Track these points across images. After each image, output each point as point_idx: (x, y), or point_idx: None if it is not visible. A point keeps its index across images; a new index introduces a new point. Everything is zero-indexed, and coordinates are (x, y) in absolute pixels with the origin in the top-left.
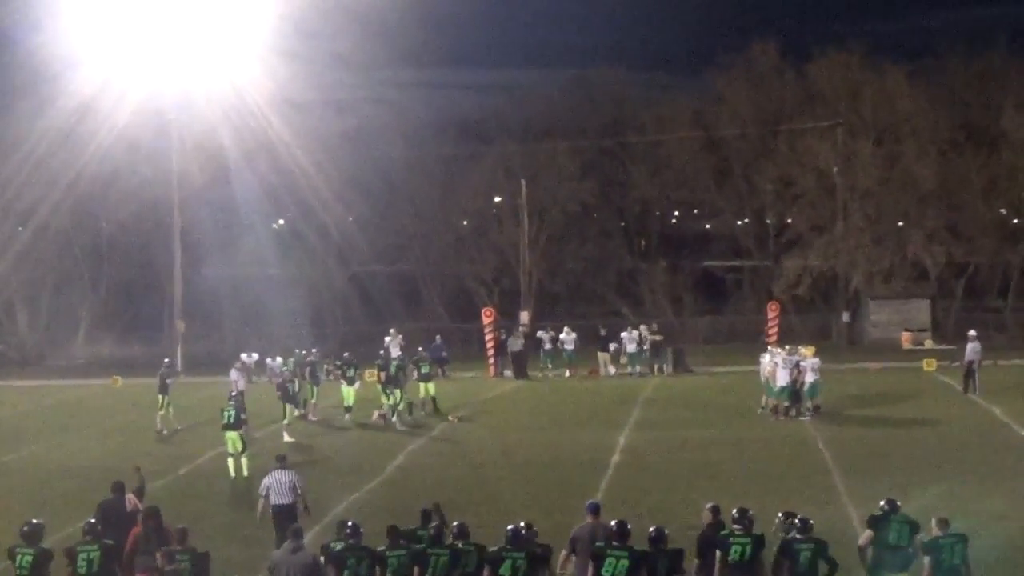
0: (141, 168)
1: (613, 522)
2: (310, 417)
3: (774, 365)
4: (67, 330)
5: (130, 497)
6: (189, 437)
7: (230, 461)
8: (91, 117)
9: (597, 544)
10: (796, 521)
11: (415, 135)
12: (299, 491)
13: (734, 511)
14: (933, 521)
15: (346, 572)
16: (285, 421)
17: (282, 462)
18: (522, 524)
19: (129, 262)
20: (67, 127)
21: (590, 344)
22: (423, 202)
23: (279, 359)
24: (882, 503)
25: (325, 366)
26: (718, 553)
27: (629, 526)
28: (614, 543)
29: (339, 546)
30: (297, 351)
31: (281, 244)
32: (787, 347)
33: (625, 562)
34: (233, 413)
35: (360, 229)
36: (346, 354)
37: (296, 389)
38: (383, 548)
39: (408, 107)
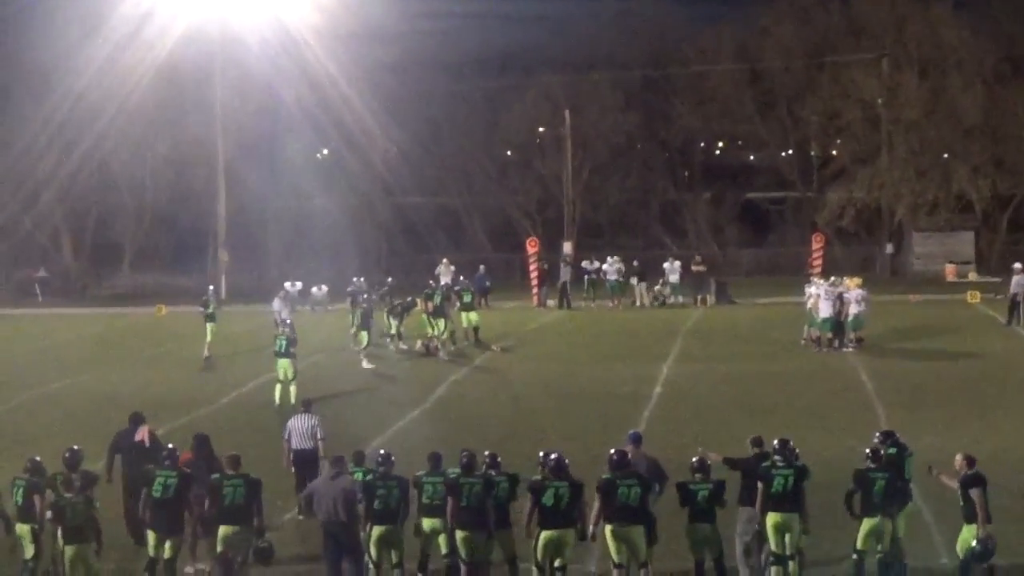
0: (185, 100)
1: (612, 452)
2: (352, 347)
3: (817, 296)
4: (111, 260)
5: (142, 430)
6: (232, 366)
7: (278, 388)
8: (135, 49)
9: (604, 477)
10: (868, 451)
11: (458, 67)
12: (320, 436)
13: (775, 442)
14: (959, 457)
15: (376, 501)
16: (364, 345)
17: (307, 407)
18: (552, 455)
19: (173, 193)
20: (111, 59)
21: (630, 275)
22: (466, 133)
23: (324, 288)
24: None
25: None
26: (760, 485)
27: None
28: (618, 473)
29: (369, 475)
30: (355, 280)
31: (324, 175)
32: (831, 279)
33: (637, 489)
34: (285, 341)
35: (404, 160)
36: (390, 279)
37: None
38: (421, 473)
39: (451, 39)
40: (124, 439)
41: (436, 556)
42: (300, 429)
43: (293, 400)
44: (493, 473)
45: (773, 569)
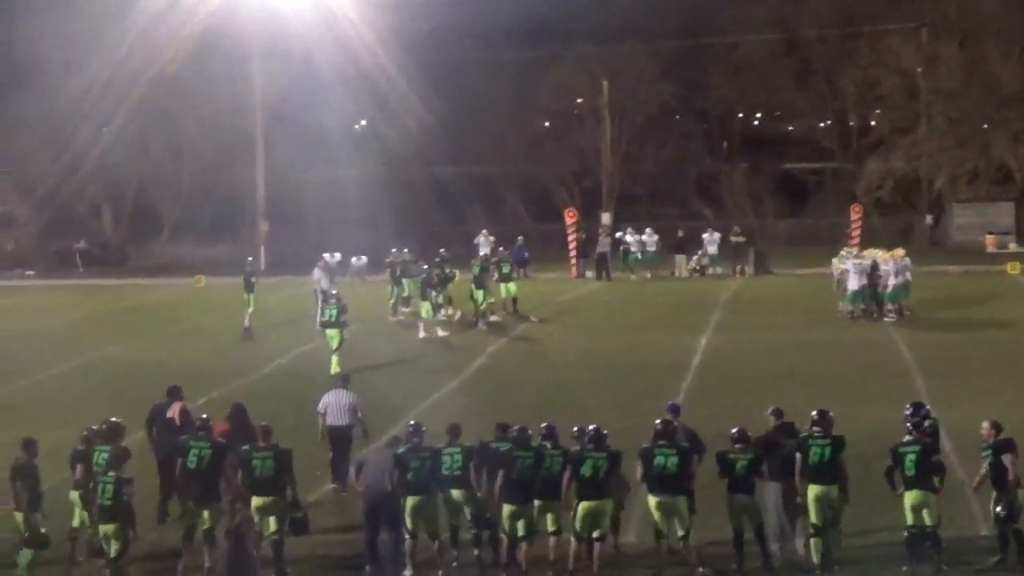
0: (222, 70)
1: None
2: (389, 318)
3: (844, 270)
4: (150, 230)
5: (175, 407)
6: (271, 337)
7: (334, 357)
8: (172, 20)
9: (644, 446)
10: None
11: (494, 37)
12: (359, 414)
13: (813, 413)
14: (985, 424)
15: (410, 472)
16: (424, 314)
17: (344, 382)
18: (590, 427)
19: (211, 164)
20: (149, 30)
21: (671, 246)
22: (504, 104)
23: (363, 258)
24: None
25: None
26: (797, 456)
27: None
28: (660, 442)
29: (402, 448)
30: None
31: (362, 146)
32: (854, 251)
33: (674, 459)
34: (336, 310)
35: (440, 131)
36: (443, 251)
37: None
38: (441, 446)
39: (487, 8)
40: (158, 413)
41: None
42: (336, 404)
43: (334, 369)
44: (548, 445)
45: (812, 540)
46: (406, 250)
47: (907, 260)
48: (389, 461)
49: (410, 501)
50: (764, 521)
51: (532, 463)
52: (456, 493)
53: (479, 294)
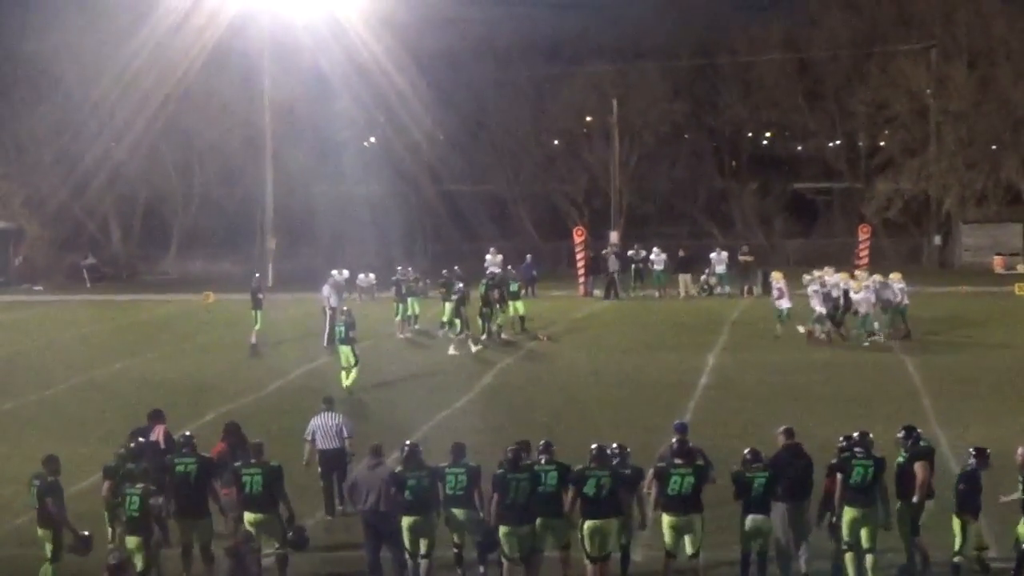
0: (233, 86)
1: (673, 441)
2: (398, 334)
3: (814, 292)
4: (159, 246)
5: (158, 429)
6: (279, 353)
7: (343, 374)
8: (184, 35)
9: (659, 464)
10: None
11: (505, 55)
12: (346, 435)
13: (855, 434)
14: (1021, 450)
15: (407, 491)
16: (458, 333)
17: (329, 405)
18: (614, 445)
19: (220, 179)
20: (161, 45)
21: (673, 266)
22: (514, 121)
23: (371, 275)
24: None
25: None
26: (839, 476)
27: (690, 444)
28: (676, 461)
29: (399, 467)
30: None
31: (372, 162)
32: (817, 274)
33: (691, 479)
34: (344, 328)
35: (451, 148)
36: (445, 271)
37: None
38: (444, 465)
39: (499, 26)
40: (145, 437)
41: (470, 546)
42: (324, 428)
43: (348, 382)
44: (543, 460)
45: (847, 556)
46: (410, 268)
47: (900, 285)
48: (378, 480)
49: (406, 520)
50: (767, 542)
51: (527, 483)
52: (459, 513)
53: (487, 312)
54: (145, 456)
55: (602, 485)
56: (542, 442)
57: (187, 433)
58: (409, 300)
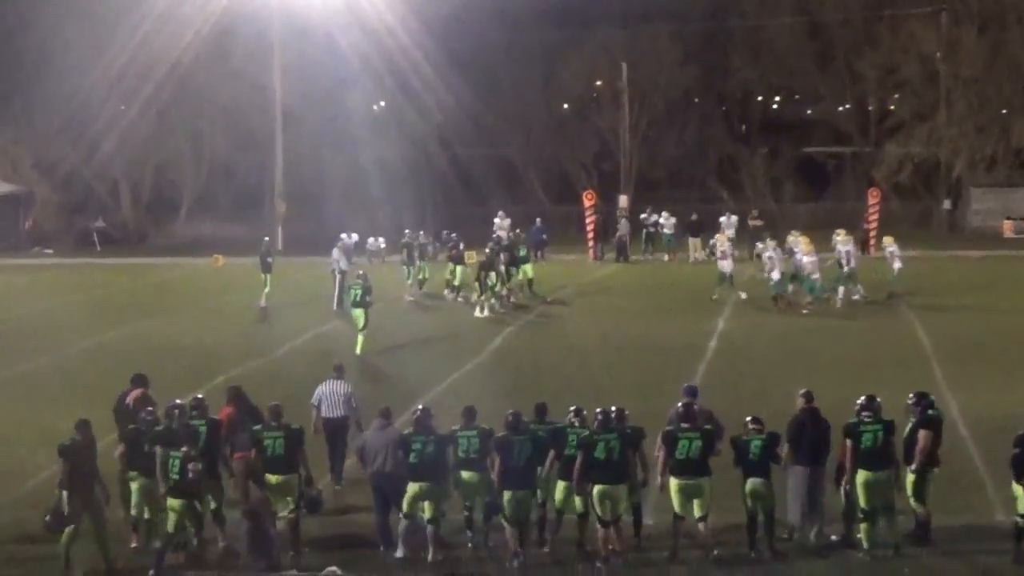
0: (243, 50)
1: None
2: (406, 297)
3: (770, 256)
4: (169, 210)
5: (134, 393)
6: (289, 316)
7: (359, 337)
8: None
9: (667, 428)
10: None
11: (516, 18)
12: (354, 405)
13: (862, 398)
14: None
15: (412, 455)
16: (481, 296)
17: (339, 373)
18: (612, 409)
19: (230, 143)
20: (170, 8)
21: (684, 230)
22: (523, 85)
23: (381, 239)
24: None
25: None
26: (848, 442)
27: (699, 407)
28: (683, 425)
29: (408, 430)
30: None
31: (383, 127)
32: (771, 242)
33: (698, 443)
34: (360, 291)
35: (461, 113)
36: (446, 232)
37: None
38: (456, 428)
39: None
40: (121, 400)
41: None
42: (331, 395)
43: (359, 351)
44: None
45: (863, 526)
46: (421, 232)
47: (893, 248)
48: (386, 442)
49: (412, 487)
50: (788, 505)
51: (528, 446)
52: (471, 476)
53: (492, 276)
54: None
55: (611, 448)
56: (537, 404)
57: (199, 395)
58: (418, 263)
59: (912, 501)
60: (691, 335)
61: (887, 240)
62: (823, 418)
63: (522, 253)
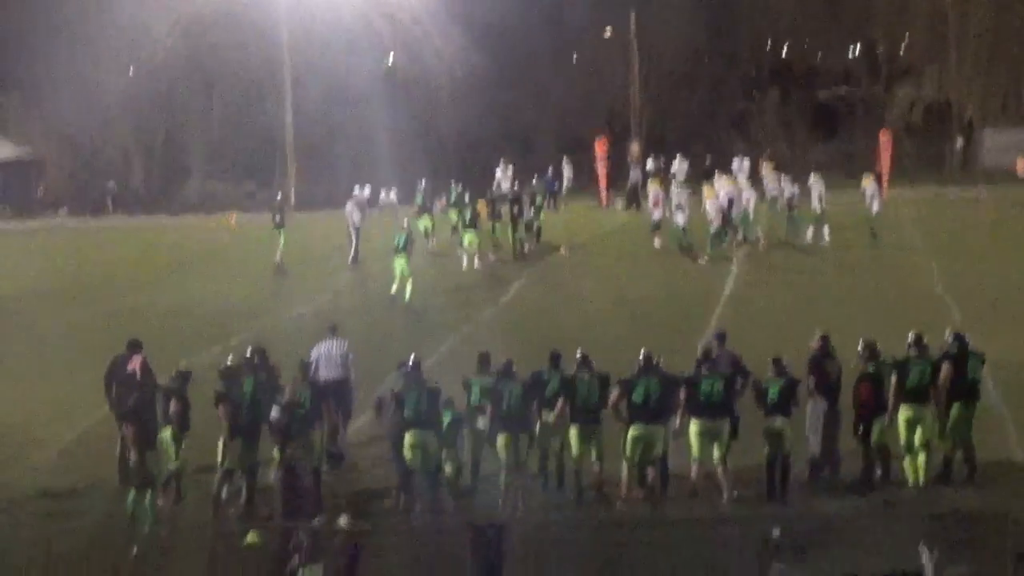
0: (251, 10)
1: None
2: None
3: (711, 206)
4: (180, 171)
5: (135, 359)
6: (305, 273)
7: (395, 286)
8: None
9: (688, 374)
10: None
11: None
12: (350, 363)
13: (911, 335)
14: None
15: (407, 408)
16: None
17: (333, 331)
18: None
19: (240, 102)
20: None
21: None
22: (532, 32)
23: (393, 192)
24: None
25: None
26: (893, 377)
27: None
28: (702, 369)
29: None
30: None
31: (391, 79)
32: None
33: (720, 385)
34: (404, 237)
35: (469, 63)
36: (453, 181)
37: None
38: (469, 375)
39: None
40: (119, 367)
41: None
42: (328, 355)
43: (408, 298)
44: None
45: (908, 461)
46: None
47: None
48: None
49: (408, 437)
50: (809, 440)
51: (519, 391)
52: (484, 422)
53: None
54: (118, 385)
55: (651, 392)
56: (579, 354)
57: (247, 354)
58: (425, 215)
59: (938, 440)
60: (705, 281)
61: (865, 182)
62: (836, 358)
63: (539, 202)
